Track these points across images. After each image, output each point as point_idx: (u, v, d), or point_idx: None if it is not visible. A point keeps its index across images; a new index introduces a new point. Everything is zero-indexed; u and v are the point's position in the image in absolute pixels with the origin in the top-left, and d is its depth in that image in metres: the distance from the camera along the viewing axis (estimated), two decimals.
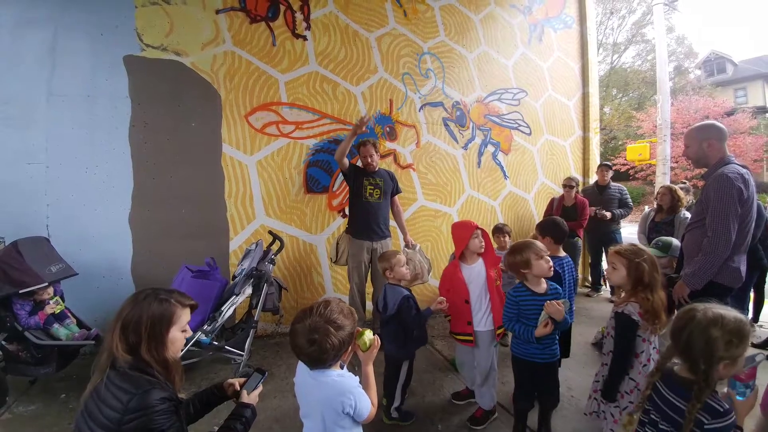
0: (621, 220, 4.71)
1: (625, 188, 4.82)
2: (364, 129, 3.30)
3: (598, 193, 4.74)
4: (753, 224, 2.13)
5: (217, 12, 3.68)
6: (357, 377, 1.38)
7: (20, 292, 2.51)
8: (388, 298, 2.38)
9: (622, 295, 1.92)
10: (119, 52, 3.39)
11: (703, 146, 2.22)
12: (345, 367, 1.41)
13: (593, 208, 4.52)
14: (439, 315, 4.39)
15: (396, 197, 3.75)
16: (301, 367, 1.39)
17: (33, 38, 3.23)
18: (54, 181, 3.25)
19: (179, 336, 1.29)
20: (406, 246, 3.65)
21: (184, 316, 1.31)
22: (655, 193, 4.06)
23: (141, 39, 3.45)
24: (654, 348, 1.82)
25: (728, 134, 2.29)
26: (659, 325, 1.77)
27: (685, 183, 5.42)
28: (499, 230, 3.67)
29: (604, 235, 4.67)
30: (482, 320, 2.39)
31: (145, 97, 3.45)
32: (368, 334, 1.45)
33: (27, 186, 3.19)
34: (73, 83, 3.30)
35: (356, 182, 3.51)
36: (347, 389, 1.30)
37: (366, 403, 1.33)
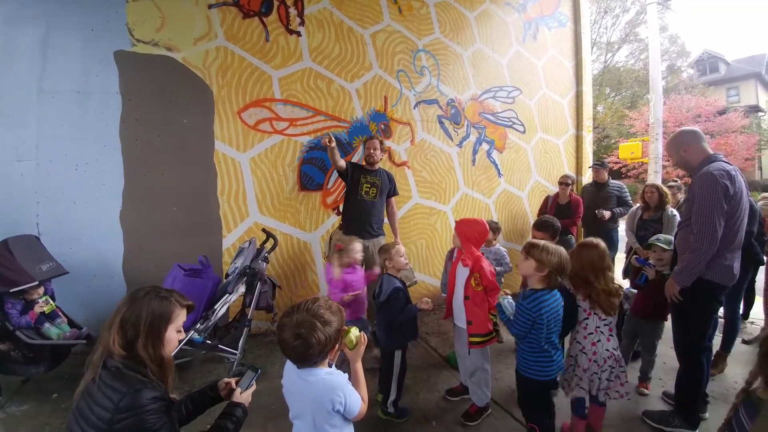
0: (619, 219, 4.68)
1: (624, 186, 4.74)
2: (326, 142, 3.27)
3: (597, 190, 4.74)
4: (744, 221, 2.14)
5: (210, 7, 3.64)
6: (346, 374, 1.38)
7: (11, 291, 2.48)
8: (383, 286, 2.45)
9: None
10: (110, 48, 3.35)
11: (680, 153, 2.28)
12: (334, 366, 1.41)
13: (601, 211, 4.49)
14: (434, 312, 4.42)
15: (392, 199, 3.75)
16: (289, 368, 1.39)
17: (25, 35, 3.18)
18: (44, 179, 3.20)
19: (175, 336, 1.30)
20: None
21: (182, 315, 1.33)
22: (641, 191, 4.07)
23: (132, 34, 3.40)
24: (606, 324, 2.08)
25: (703, 135, 2.32)
26: (608, 307, 2.02)
27: (676, 181, 5.46)
28: None
29: (600, 235, 4.65)
30: (464, 318, 2.41)
31: (136, 93, 3.41)
32: (354, 332, 1.43)
33: (17, 183, 3.15)
34: (63, 80, 3.25)
35: (353, 179, 3.50)
36: (336, 386, 1.30)
37: (356, 400, 1.34)
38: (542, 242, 2.00)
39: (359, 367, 1.47)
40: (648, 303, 2.57)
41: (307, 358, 1.29)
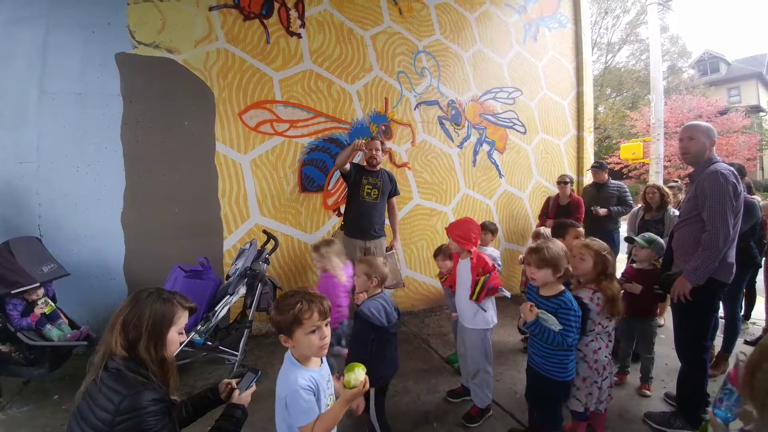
0: (619, 219, 4.67)
1: (625, 186, 4.74)
2: (360, 149, 3.44)
3: (596, 192, 4.74)
4: (741, 219, 2.18)
5: (210, 9, 3.65)
6: (302, 379, 1.31)
7: (12, 292, 2.49)
8: (390, 308, 2.13)
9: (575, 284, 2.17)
10: (111, 50, 3.36)
11: (708, 143, 2.27)
12: (325, 364, 1.44)
13: (596, 208, 4.49)
14: (435, 313, 4.43)
15: (394, 199, 3.75)
16: None
17: (24, 36, 3.19)
18: (45, 181, 3.21)
19: (176, 338, 1.30)
20: (390, 248, 3.67)
21: (184, 317, 1.33)
22: (642, 192, 4.07)
23: (133, 36, 3.41)
24: (607, 332, 2.08)
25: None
26: (616, 311, 2.04)
27: (677, 181, 5.45)
28: (484, 228, 3.66)
29: (602, 235, 4.63)
30: (470, 318, 2.41)
31: (137, 95, 3.42)
32: (359, 373, 1.33)
33: (18, 185, 3.16)
34: (64, 81, 3.26)
35: (354, 181, 3.50)
36: (285, 379, 1.33)
37: (300, 416, 1.27)
38: (541, 245, 1.96)
39: (341, 411, 1.33)
40: (637, 301, 2.59)
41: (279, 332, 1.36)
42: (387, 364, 2.09)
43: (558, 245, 1.99)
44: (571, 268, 2.03)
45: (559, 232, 2.91)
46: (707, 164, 2.20)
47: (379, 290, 2.16)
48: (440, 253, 3.04)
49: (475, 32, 4.92)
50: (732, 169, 2.15)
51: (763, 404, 0.89)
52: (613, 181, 4.75)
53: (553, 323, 1.86)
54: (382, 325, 2.02)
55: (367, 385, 1.37)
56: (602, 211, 4.40)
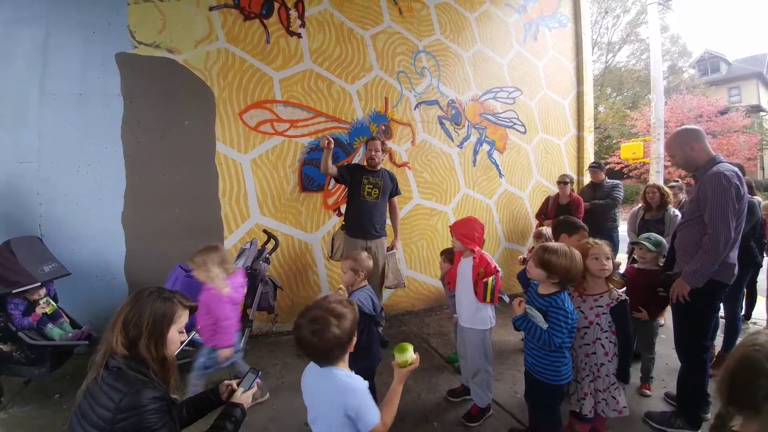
0: (617, 217, 4.71)
1: (619, 183, 4.79)
2: (325, 144, 3.22)
3: (593, 191, 4.77)
4: (744, 221, 2.17)
5: (211, 9, 3.66)
6: (366, 381, 1.34)
7: (13, 292, 2.49)
8: (375, 298, 2.30)
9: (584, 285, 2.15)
10: (111, 50, 3.37)
11: (686, 150, 2.25)
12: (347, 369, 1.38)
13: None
14: (435, 313, 4.43)
15: (395, 199, 3.75)
16: (310, 368, 1.38)
17: (25, 36, 3.20)
18: (46, 181, 3.22)
19: (177, 337, 1.31)
20: (391, 247, 3.67)
21: (184, 316, 1.34)
22: (642, 191, 4.09)
23: (133, 36, 3.42)
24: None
25: (705, 134, 2.33)
26: None
27: (677, 181, 5.44)
28: None
29: (601, 235, 4.64)
30: (468, 317, 2.42)
31: (138, 95, 3.43)
32: (411, 352, 1.39)
33: (19, 185, 3.17)
34: (65, 82, 3.27)
35: (355, 180, 3.50)
36: (352, 389, 1.26)
37: (373, 413, 1.27)
38: (566, 252, 1.89)
39: (400, 389, 1.41)
40: (636, 303, 2.58)
41: (326, 354, 1.28)
42: (375, 353, 2.22)
43: (578, 261, 1.91)
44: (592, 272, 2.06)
45: (568, 230, 2.70)
46: (710, 165, 2.18)
47: (365, 283, 2.32)
48: (444, 254, 3.05)
49: (476, 32, 4.92)
50: (735, 170, 2.12)
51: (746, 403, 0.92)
52: (608, 180, 4.78)
53: (540, 320, 1.86)
54: (371, 313, 2.16)
55: (417, 362, 1.43)
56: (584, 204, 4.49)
